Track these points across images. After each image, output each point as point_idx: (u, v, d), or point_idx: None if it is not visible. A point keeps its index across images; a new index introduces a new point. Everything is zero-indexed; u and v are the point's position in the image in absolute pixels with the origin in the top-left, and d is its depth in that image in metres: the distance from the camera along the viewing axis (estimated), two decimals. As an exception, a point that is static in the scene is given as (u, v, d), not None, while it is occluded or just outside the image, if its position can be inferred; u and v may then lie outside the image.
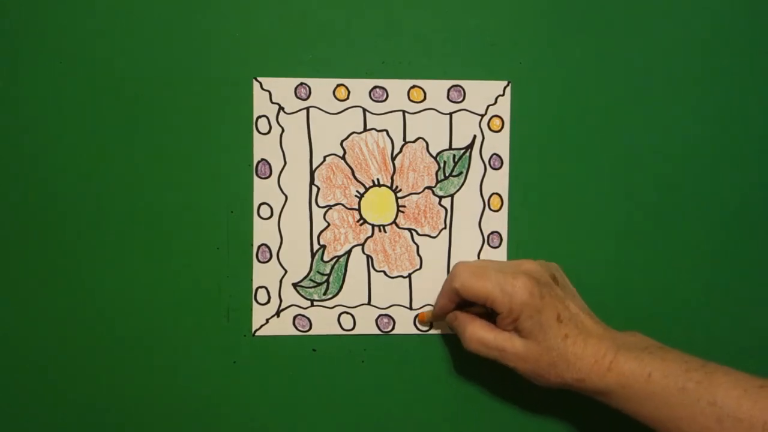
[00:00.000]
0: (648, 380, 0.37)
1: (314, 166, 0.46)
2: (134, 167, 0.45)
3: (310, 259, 0.47)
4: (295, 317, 0.47)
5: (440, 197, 0.47)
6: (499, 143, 0.47)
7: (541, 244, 0.47)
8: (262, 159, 0.46)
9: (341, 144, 0.46)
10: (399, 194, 0.47)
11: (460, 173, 0.47)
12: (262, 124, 0.46)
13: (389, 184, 0.47)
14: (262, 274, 0.46)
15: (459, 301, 0.43)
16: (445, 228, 0.47)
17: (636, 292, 0.48)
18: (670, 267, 0.48)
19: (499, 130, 0.47)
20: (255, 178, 0.46)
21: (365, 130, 0.46)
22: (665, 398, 0.36)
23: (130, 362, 0.46)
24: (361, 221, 0.47)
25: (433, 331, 0.47)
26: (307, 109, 0.46)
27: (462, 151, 0.47)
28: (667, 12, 0.47)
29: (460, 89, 0.46)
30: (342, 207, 0.47)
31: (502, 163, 0.47)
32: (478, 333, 0.41)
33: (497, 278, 0.40)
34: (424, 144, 0.47)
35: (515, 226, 0.47)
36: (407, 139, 0.47)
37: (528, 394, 0.47)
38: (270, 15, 0.45)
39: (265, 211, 0.46)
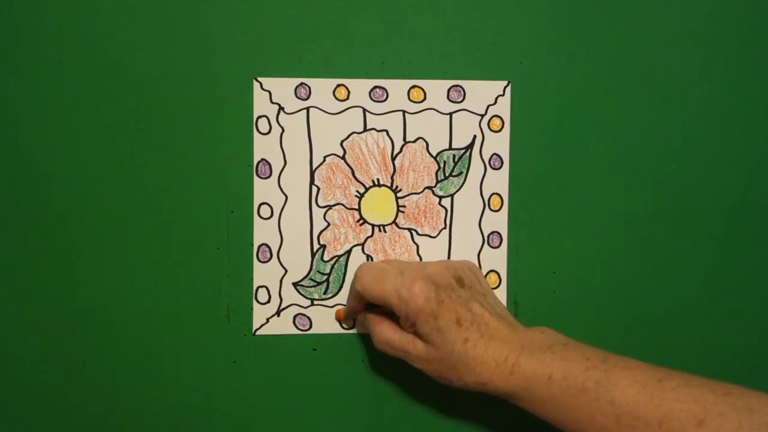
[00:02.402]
0: (548, 383, 0.37)
1: (314, 166, 0.46)
2: (134, 167, 0.45)
3: (310, 258, 0.47)
4: (295, 316, 0.47)
5: (440, 197, 0.47)
6: (499, 143, 0.47)
7: (541, 244, 0.47)
8: (263, 159, 0.46)
9: (341, 144, 0.46)
10: (399, 194, 0.47)
11: (460, 173, 0.47)
12: (262, 124, 0.46)
13: (389, 184, 0.47)
14: (263, 274, 0.46)
15: (366, 302, 0.43)
16: (445, 228, 0.47)
17: (636, 292, 0.48)
18: (670, 267, 0.48)
19: (499, 130, 0.47)
20: (255, 178, 0.46)
21: (365, 130, 0.46)
22: (565, 400, 0.36)
23: (131, 362, 0.46)
24: (361, 221, 0.47)
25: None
26: (307, 109, 0.46)
27: (462, 151, 0.47)
28: (667, 12, 0.47)
29: (460, 89, 0.46)
30: (342, 207, 0.47)
31: (502, 163, 0.47)
32: (384, 334, 0.42)
33: (395, 282, 0.40)
34: (424, 144, 0.47)
35: (515, 226, 0.47)
36: (407, 139, 0.47)
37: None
38: (270, 15, 0.45)
39: (265, 211, 0.46)
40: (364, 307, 0.44)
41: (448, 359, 0.39)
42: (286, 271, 0.47)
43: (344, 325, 0.47)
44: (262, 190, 0.46)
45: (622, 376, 0.36)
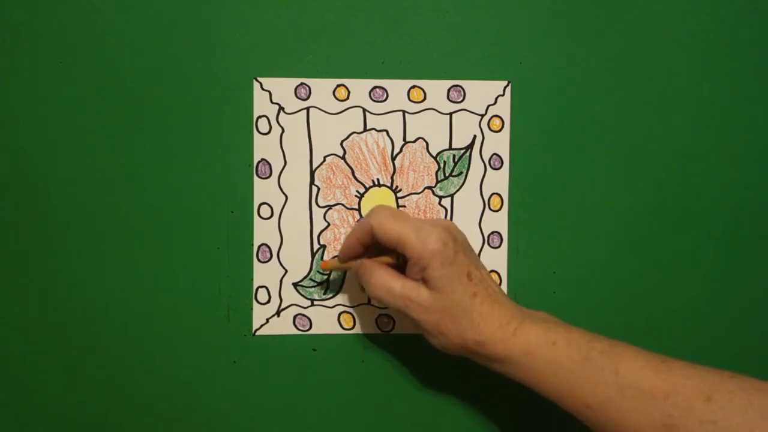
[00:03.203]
0: (552, 348, 0.36)
1: (314, 166, 0.46)
2: (134, 167, 0.45)
3: (310, 258, 0.47)
4: (295, 317, 0.47)
5: (440, 197, 0.47)
6: (499, 143, 0.47)
7: (541, 244, 0.47)
8: (263, 159, 0.46)
9: (341, 144, 0.46)
10: (399, 194, 0.47)
11: (460, 173, 0.47)
12: (263, 124, 0.46)
13: (389, 184, 0.47)
14: (263, 274, 0.46)
15: (369, 244, 0.41)
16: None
17: (636, 292, 0.48)
18: (670, 267, 0.48)
19: (499, 130, 0.47)
20: (255, 178, 0.46)
21: (365, 130, 0.46)
22: (568, 367, 0.36)
23: (131, 362, 0.46)
24: (361, 221, 0.47)
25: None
26: (307, 109, 0.46)
27: (462, 151, 0.47)
28: (667, 12, 0.47)
29: (460, 89, 0.46)
30: (342, 207, 0.47)
31: (502, 163, 0.47)
32: (384, 279, 0.40)
33: (414, 223, 0.39)
34: (424, 144, 0.47)
35: (515, 226, 0.47)
36: (407, 139, 0.47)
37: (530, 395, 0.47)
38: (270, 15, 0.45)
39: (265, 211, 0.46)
40: (364, 250, 0.42)
41: (453, 310, 0.38)
42: (286, 271, 0.47)
43: (322, 273, 0.45)
44: (262, 190, 0.46)
45: (627, 350, 0.35)
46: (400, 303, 0.39)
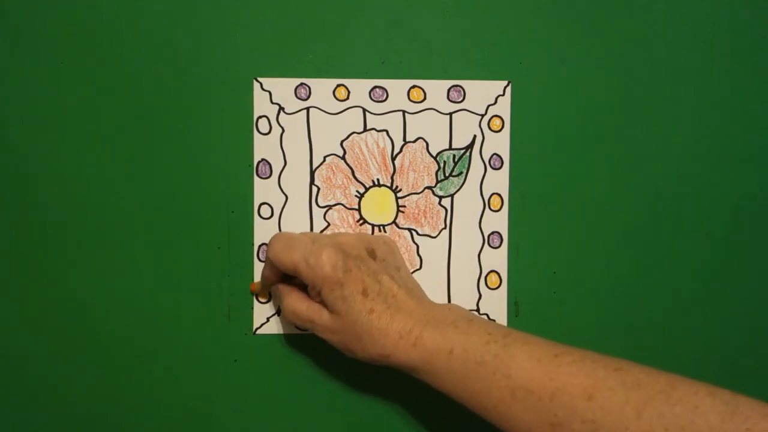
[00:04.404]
0: (449, 356, 0.37)
1: (314, 166, 0.46)
2: (135, 167, 0.45)
3: (310, 258, 0.47)
4: (295, 316, 0.47)
5: (440, 197, 0.47)
6: (499, 143, 0.47)
7: (541, 244, 0.47)
8: (263, 159, 0.46)
9: (341, 144, 0.46)
10: (399, 194, 0.47)
11: (460, 173, 0.47)
12: (263, 125, 0.46)
13: (389, 184, 0.47)
14: (263, 274, 0.47)
15: (281, 273, 0.42)
16: (445, 228, 0.47)
17: (636, 292, 0.48)
18: (670, 267, 0.48)
19: (499, 130, 0.47)
20: (255, 178, 0.46)
21: (365, 130, 0.46)
22: (464, 373, 0.37)
23: (131, 361, 0.46)
24: (361, 221, 0.47)
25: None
26: (307, 109, 0.46)
27: (462, 151, 0.47)
28: (667, 12, 0.47)
29: (460, 89, 0.46)
30: (342, 207, 0.47)
31: (502, 163, 0.47)
32: (292, 304, 0.42)
33: (304, 250, 0.40)
34: (424, 144, 0.47)
35: (515, 226, 0.47)
36: (407, 139, 0.47)
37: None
38: (270, 15, 0.45)
39: (265, 211, 0.46)
40: (278, 278, 0.43)
41: (353, 329, 0.39)
42: (286, 270, 0.47)
43: (260, 299, 0.46)
44: (263, 190, 0.46)
45: (521, 350, 0.36)
46: (308, 325, 0.41)
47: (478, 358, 0.36)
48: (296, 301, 0.42)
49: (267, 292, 0.46)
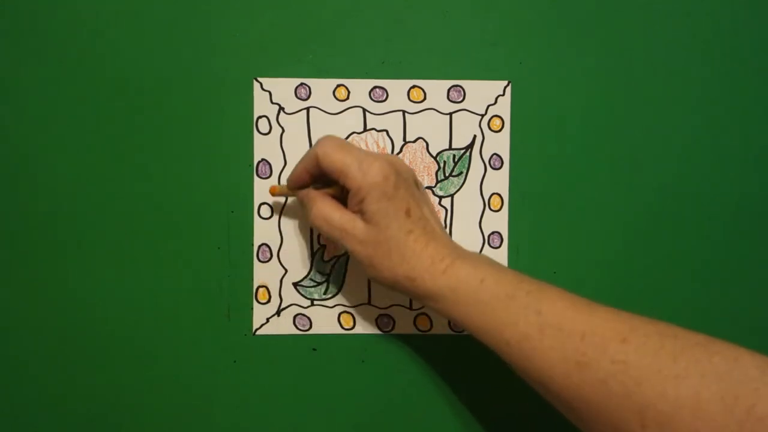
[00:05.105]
0: (480, 286, 0.37)
1: (314, 166, 0.46)
2: (135, 167, 0.45)
3: (310, 258, 0.47)
4: (295, 316, 0.47)
5: (440, 197, 0.47)
6: (499, 143, 0.47)
7: (541, 244, 0.47)
8: (263, 159, 0.46)
9: (341, 144, 0.46)
10: (399, 194, 0.47)
11: (460, 173, 0.47)
12: (263, 125, 0.46)
13: (389, 184, 0.47)
14: (263, 274, 0.47)
15: (316, 174, 0.41)
16: (445, 228, 0.47)
17: (636, 292, 0.48)
18: (670, 267, 0.48)
19: (499, 130, 0.47)
20: (255, 178, 0.46)
21: (365, 130, 0.46)
22: (493, 304, 0.36)
23: (131, 361, 0.46)
24: (361, 221, 0.47)
25: (433, 332, 0.47)
26: (308, 109, 0.46)
27: (462, 151, 0.47)
28: (667, 12, 0.47)
29: (460, 89, 0.46)
30: (342, 207, 0.47)
31: (502, 163, 0.47)
32: (324, 210, 0.40)
33: (358, 154, 0.39)
34: (424, 144, 0.47)
35: (515, 226, 0.47)
36: (407, 139, 0.47)
37: (530, 395, 0.47)
38: (270, 15, 0.45)
39: (265, 211, 0.46)
40: (311, 179, 0.42)
41: (386, 244, 0.38)
42: (286, 271, 0.47)
43: (271, 196, 0.44)
44: (263, 190, 0.46)
45: (554, 293, 0.36)
46: (337, 234, 0.40)
47: (510, 291, 0.36)
48: (329, 207, 0.40)
49: (291, 195, 0.44)
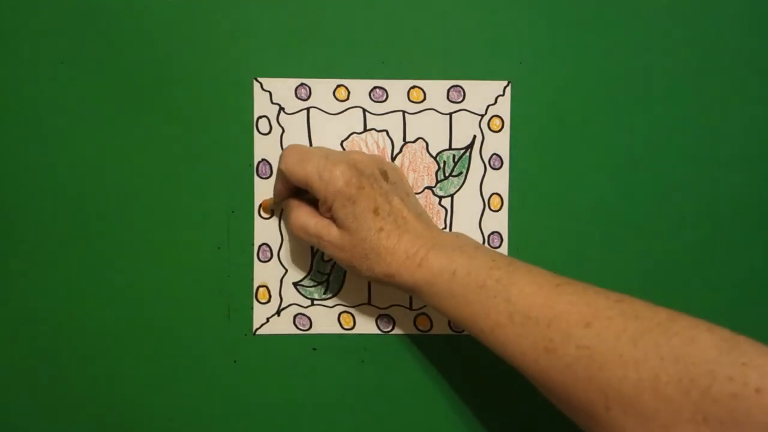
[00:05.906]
0: (452, 277, 0.37)
1: (314, 166, 0.46)
2: (135, 167, 0.45)
3: (310, 258, 0.47)
4: (295, 316, 0.47)
5: (440, 197, 0.47)
6: (499, 143, 0.47)
7: (542, 244, 0.47)
8: (263, 159, 0.46)
9: (341, 144, 0.46)
10: (399, 194, 0.47)
11: (460, 173, 0.47)
12: (263, 125, 0.46)
13: (389, 184, 0.47)
14: (263, 273, 0.47)
15: (291, 186, 0.43)
16: (445, 228, 0.47)
17: (636, 292, 0.47)
18: (670, 267, 0.48)
19: (499, 130, 0.47)
20: (256, 178, 0.46)
21: (365, 130, 0.46)
22: (465, 295, 0.37)
23: (131, 361, 0.46)
24: (361, 221, 0.47)
25: (433, 332, 0.47)
26: (308, 109, 0.46)
27: (462, 151, 0.47)
28: (667, 12, 0.47)
29: (460, 89, 0.46)
30: (342, 207, 0.47)
31: (502, 163, 0.47)
32: (300, 218, 0.41)
33: (318, 164, 0.40)
34: (424, 144, 0.47)
35: (515, 226, 0.47)
36: (407, 140, 0.47)
37: (530, 395, 0.47)
38: (270, 15, 0.45)
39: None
40: (289, 192, 0.43)
41: (360, 247, 0.39)
42: (286, 270, 0.47)
43: (264, 215, 0.46)
44: (263, 190, 0.46)
45: (523, 277, 0.36)
46: (315, 241, 0.41)
47: (480, 281, 0.37)
48: (305, 216, 0.41)
49: (279, 208, 0.45)
